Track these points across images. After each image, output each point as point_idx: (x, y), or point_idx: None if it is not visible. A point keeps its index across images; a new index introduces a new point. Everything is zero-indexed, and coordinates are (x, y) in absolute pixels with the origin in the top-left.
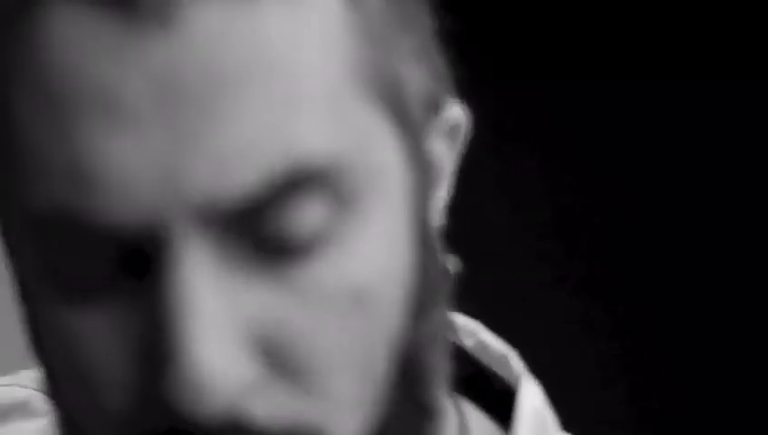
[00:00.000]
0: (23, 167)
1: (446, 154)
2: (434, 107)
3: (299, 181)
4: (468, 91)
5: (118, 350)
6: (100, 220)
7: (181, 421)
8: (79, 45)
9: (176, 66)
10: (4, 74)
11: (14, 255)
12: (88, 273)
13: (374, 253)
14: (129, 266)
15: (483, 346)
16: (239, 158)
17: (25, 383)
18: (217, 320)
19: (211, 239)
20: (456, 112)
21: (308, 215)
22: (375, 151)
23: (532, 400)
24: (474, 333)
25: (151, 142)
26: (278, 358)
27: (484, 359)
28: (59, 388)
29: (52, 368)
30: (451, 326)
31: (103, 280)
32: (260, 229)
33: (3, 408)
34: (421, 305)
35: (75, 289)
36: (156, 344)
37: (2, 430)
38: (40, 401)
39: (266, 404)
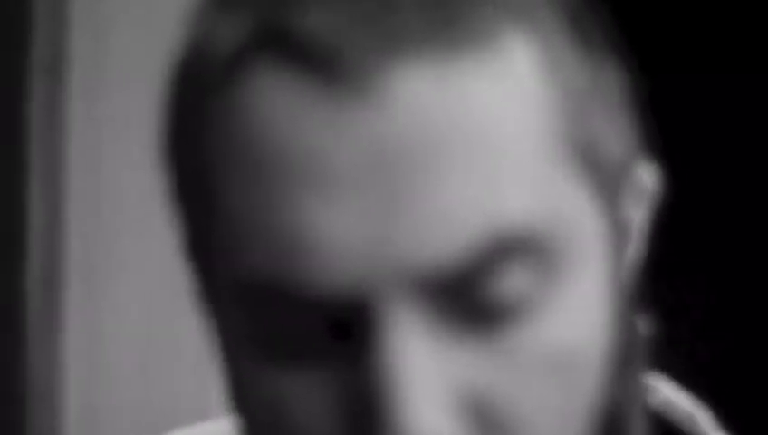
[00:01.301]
0: (228, 235)
1: (638, 215)
2: (626, 168)
3: (503, 249)
4: None
5: (324, 412)
6: (308, 290)
7: None
8: (284, 114)
9: (382, 136)
10: (202, 141)
11: (216, 315)
12: (294, 337)
13: (576, 316)
14: (337, 331)
15: (668, 404)
16: (445, 227)
17: (223, 430)
18: (430, 387)
19: (420, 306)
20: (648, 172)
21: (512, 281)
22: (573, 216)
23: None
24: (658, 389)
25: (360, 212)
26: (485, 421)
27: (671, 417)
28: None
29: (254, 425)
30: (647, 387)
31: (310, 344)
32: (466, 296)
33: None
34: (619, 367)
35: (281, 352)
36: (367, 409)
37: None
38: None
39: None
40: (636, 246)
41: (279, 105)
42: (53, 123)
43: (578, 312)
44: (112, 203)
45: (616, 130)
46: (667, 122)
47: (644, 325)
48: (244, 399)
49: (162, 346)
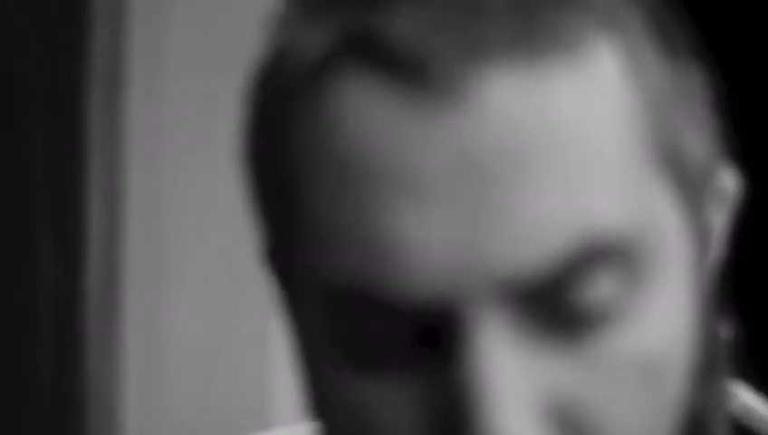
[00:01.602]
0: (315, 240)
1: (719, 220)
2: (709, 172)
3: (593, 255)
4: None
5: (409, 419)
6: (396, 295)
7: None
8: (372, 120)
9: (471, 142)
10: (286, 147)
11: (298, 320)
12: (379, 343)
13: (662, 323)
14: (424, 338)
15: (747, 410)
16: (537, 233)
17: None
18: (517, 394)
19: (508, 313)
20: (730, 178)
21: (601, 287)
22: (660, 222)
23: None
24: (737, 395)
25: (450, 219)
26: (570, 429)
27: (749, 423)
28: None
29: (336, 430)
30: (730, 393)
31: (396, 350)
32: (554, 303)
33: None
34: (703, 373)
35: (366, 358)
36: (454, 416)
37: None
38: None
39: None
40: (717, 252)
41: (366, 111)
42: (113, 126)
43: (663, 318)
44: (171, 205)
45: (699, 135)
46: (746, 126)
47: (725, 330)
48: (326, 404)
49: (221, 348)
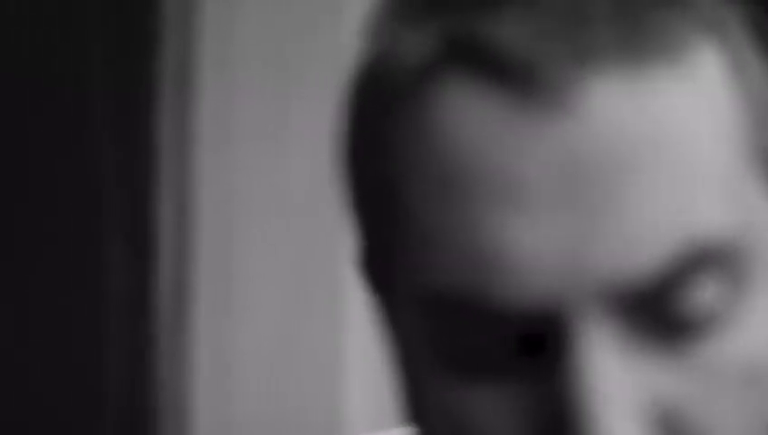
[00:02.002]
0: (415, 246)
1: None
2: None
3: (698, 261)
4: None
5: (510, 427)
6: (498, 302)
7: None
8: (477, 127)
9: (578, 147)
10: (387, 153)
11: (395, 327)
12: (480, 349)
13: (765, 327)
14: (526, 345)
15: None
16: (643, 239)
17: None
18: (624, 401)
19: (613, 319)
20: None
21: (706, 292)
22: (760, 228)
23: None
24: None
25: (554, 225)
26: None
27: None
28: None
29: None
30: None
31: (496, 357)
32: (658, 309)
33: None
34: None
35: (465, 364)
36: (558, 424)
37: None
38: None
39: None
40: None
41: (471, 117)
42: (184, 127)
43: (765, 325)
44: (242, 207)
45: None
46: None
47: None
48: (423, 409)
49: (292, 355)
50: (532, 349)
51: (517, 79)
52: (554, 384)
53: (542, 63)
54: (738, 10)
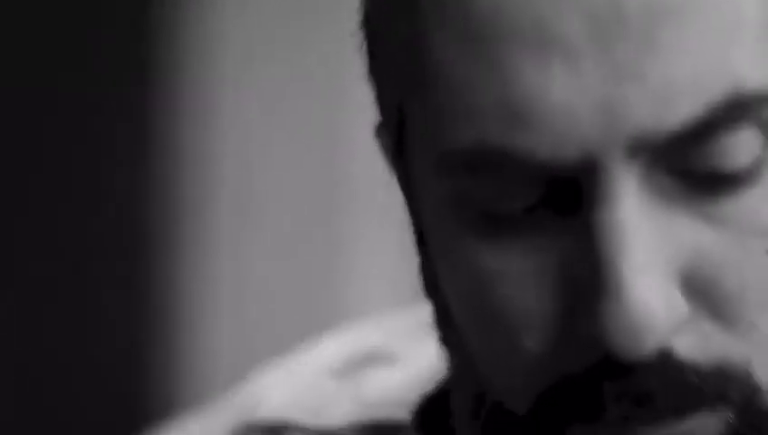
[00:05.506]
0: (444, 101)
1: None
2: None
3: (735, 113)
4: None
5: (534, 287)
6: (530, 154)
7: (613, 357)
8: None
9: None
10: (412, 13)
11: (415, 193)
12: (506, 208)
13: None
14: (553, 201)
15: None
16: (680, 89)
17: (378, 331)
18: (654, 255)
19: (645, 172)
20: None
21: (740, 147)
22: None
23: None
24: None
25: (588, 76)
26: (705, 292)
27: None
28: (457, 332)
29: (451, 312)
30: None
31: (522, 215)
32: (691, 162)
33: (357, 358)
34: None
35: (490, 225)
36: (586, 281)
37: (362, 382)
38: (398, 346)
39: (694, 340)
40: None
41: None
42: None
43: None
44: (260, 204)
45: None
46: None
47: None
48: (441, 289)
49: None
50: (560, 203)
51: None
52: (580, 240)
53: None
54: None
